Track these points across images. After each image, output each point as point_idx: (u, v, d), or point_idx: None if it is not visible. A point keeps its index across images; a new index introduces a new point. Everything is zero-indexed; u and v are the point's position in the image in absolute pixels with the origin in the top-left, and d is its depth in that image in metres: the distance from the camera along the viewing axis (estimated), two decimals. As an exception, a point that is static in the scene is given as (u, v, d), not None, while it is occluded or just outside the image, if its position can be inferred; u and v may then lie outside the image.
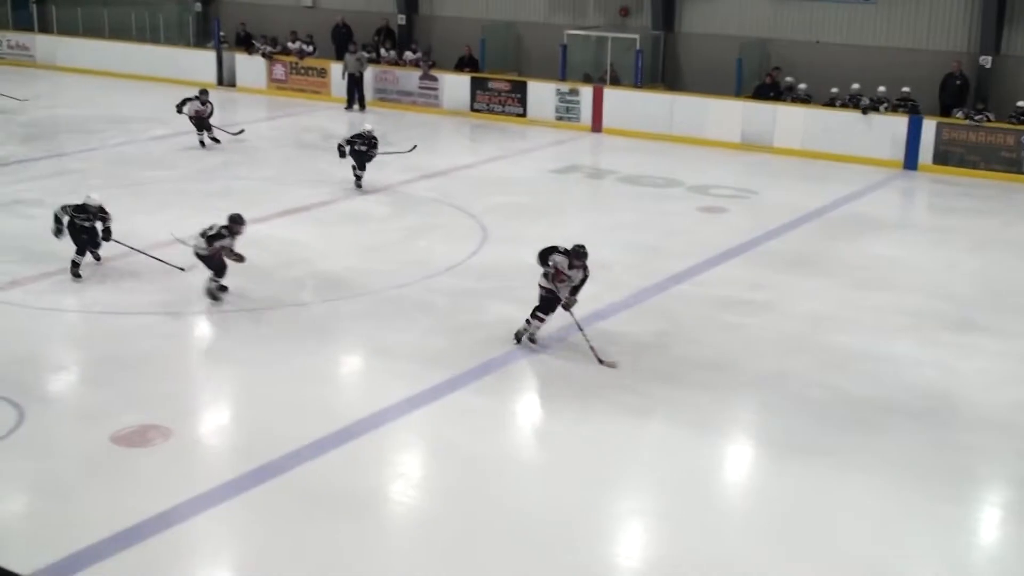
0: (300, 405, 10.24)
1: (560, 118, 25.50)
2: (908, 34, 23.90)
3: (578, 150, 23.27)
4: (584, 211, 18.32)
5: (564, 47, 26.38)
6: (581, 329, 11.40)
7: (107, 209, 13.59)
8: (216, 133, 21.82)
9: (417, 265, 14.35)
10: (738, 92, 24.52)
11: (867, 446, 9.72)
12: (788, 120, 23.15)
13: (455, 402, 10.44)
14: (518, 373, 11.24)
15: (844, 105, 22.82)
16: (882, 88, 22.61)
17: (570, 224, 16.85)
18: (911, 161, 22.00)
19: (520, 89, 26.11)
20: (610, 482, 9.06)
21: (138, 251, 13.80)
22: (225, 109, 27.58)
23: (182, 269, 13.40)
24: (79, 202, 13.50)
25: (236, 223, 12.71)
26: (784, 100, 23.59)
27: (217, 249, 12.52)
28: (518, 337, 11.65)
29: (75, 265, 13.50)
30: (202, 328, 12.55)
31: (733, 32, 25.47)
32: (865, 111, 22.35)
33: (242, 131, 22.36)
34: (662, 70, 26.69)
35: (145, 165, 20.18)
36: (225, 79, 29.94)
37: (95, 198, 13.54)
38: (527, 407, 10.85)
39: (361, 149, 18.21)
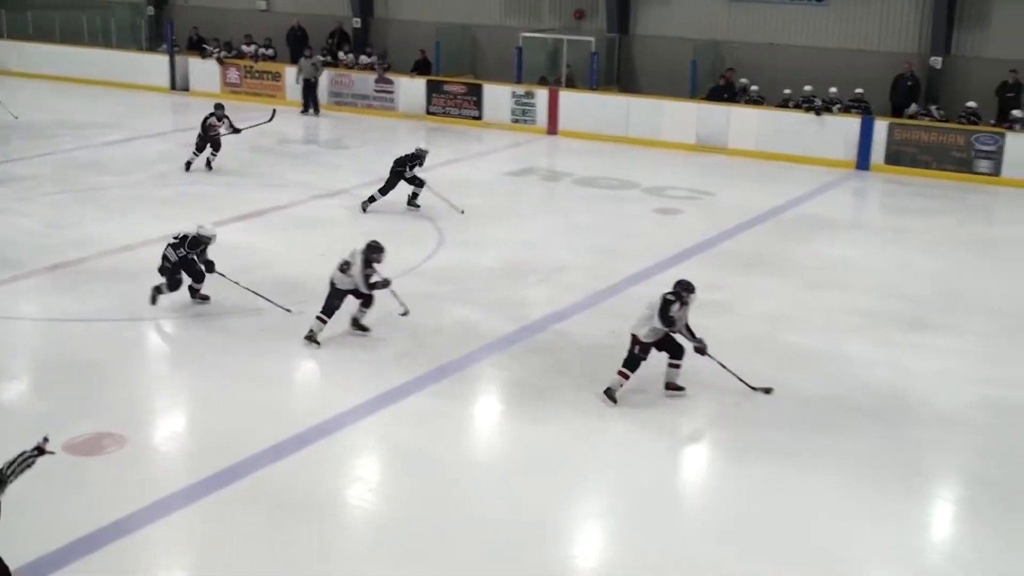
0: (257, 410, 10.18)
1: (516, 121, 25.52)
2: (860, 36, 24.15)
3: (534, 152, 23.30)
4: (540, 213, 18.35)
5: (519, 50, 26.42)
6: (724, 365, 10.71)
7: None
8: (247, 126, 20.49)
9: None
10: (692, 94, 24.66)
11: (825, 445, 9.80)
12: (742, 121, 23.31)
13: (413, 405, 10.42)
14: (476, 376, 11.23)
15: (797, 106, 23.01)
16: (834, 89, 22.82)
17: (527, 227, 16.88)
18: (863, 161, 22.21)
19: (476, 92, 26.11)
20: (571, 484, 9.07)
21: (247, 288, 12.74)
22: (178, 113, 27.46)
23: (289, 311, 12.52)
24: (188, 234, 12.42)
25: (376, 251, 11.77)
26: (738, 102, 23.74)
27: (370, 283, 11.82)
28: (611, 395, 10.57)
29: (159, 292, 12.60)
30: (158, 334, 12.44)
31: (687, 34, 25.61)
32: (818, 112, 22.54)
33: (273, 112, 21.39)
34: (617, 72, 26.81)
35: (99, 171, 19.97)
36: (178, 83, 29.73)
37: (209, 227, 12.57)
38: (486, 410, 10.84)
39: (413, 168, 17.51)
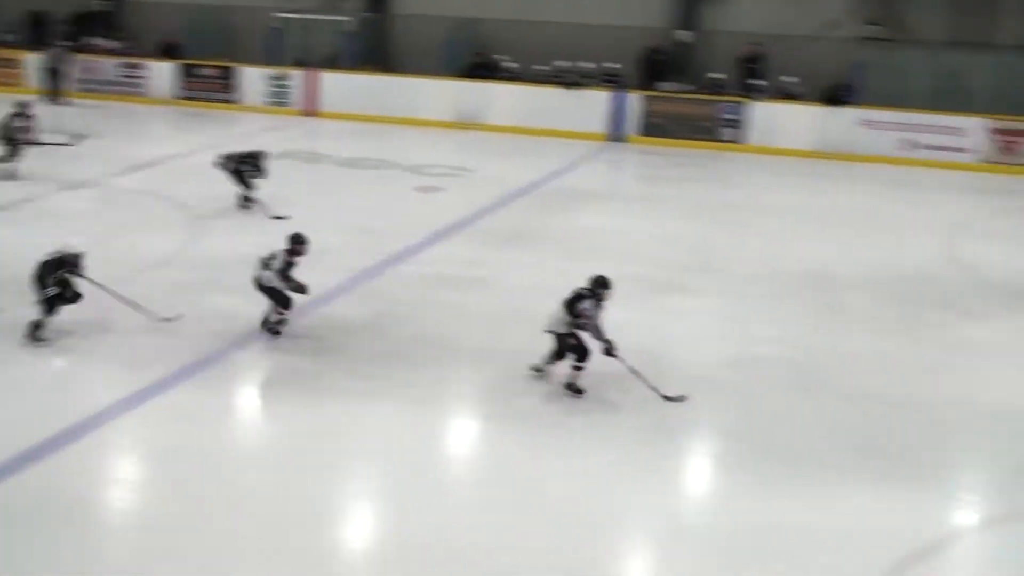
0: (5, 416, 9.64)
1: (273, 103, 25.07)
2: (613, 11, 24.75)
3: (293, 135, 22.93)
4: (301, 196, 18.01)
5: (275, 31, 25.93)
6: (634, 371, 10.12)
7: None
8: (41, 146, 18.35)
9: (126, 261, 13.77)
10: (451, 72, 24.76)
11: (584, 410, 10.00)
12: (500, 98, 23.62)
13: (174, 399, 10.06)
14: (240, 366, 10.97)
15: (553, 82, 23.42)
16: (588, 64, 23.36)
17: (287, 211, 16.58)
18: (618, 134, 22.85)
19: (230, 75, 25.50)
20: (339, 468, 8.96)
21: (120, 298, 11.57)
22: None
23: (169, 319, 11.57)
24: (55, 255, 11.07)
25: (300, 243, 11.32)
26: (495, 78, 23.99)
27: (288, 280, 11.25)
28: (573, 388, 10.18)
29: (39, 327, 11.09)
30: None
31: (445, 12, 25.68)
32: (574, 87, 23.01)
33: (71, 139, 19.47)
34: (375, 52, 26.65)
35: None
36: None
37: (74, 244, 11.32)
38: (249, 400, 10.61)
39: (247, 170, 16.25)
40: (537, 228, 15.96)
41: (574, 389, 10.19)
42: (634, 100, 22.96)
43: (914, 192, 19.88)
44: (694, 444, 9.80)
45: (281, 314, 11.42)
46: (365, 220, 16.14)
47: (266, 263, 11.30)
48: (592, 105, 22.98)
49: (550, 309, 12.30)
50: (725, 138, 22.42)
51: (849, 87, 22.58)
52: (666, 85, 23.38)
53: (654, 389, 10.19)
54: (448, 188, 18.37)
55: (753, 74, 23.01)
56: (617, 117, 22.93)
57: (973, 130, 21.76)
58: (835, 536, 8.01)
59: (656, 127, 22.81)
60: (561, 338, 10.21)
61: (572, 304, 10.04)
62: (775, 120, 22.39)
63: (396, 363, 10.87)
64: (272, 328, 11.47)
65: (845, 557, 7.73)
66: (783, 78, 22.88)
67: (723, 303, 13.07)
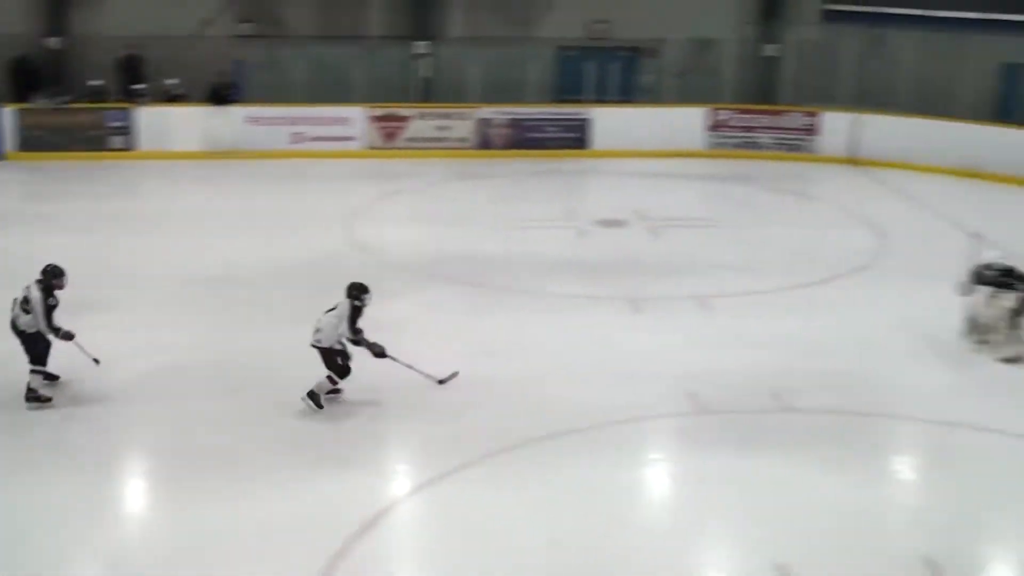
0: None
1: None
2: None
3: None
4: None
5: None
6: (411, 366, 10.38)
7: None
8: None
9: None
10: None
11: (29, 443, 9.47)
12: None
13: None
14: None
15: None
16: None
17: None
18: (-4, 151, 21.34)
19: None
20: None
21: None
22: None
23: None
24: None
25: (56, 276, 9.99)
26: None
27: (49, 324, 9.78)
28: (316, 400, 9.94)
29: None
30: None
31: None
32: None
33: None
34: None
35: None
36: None
37: None
38: None
39: None
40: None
41: (317, 397, 10.11)
42: (8, 114, 21.46)
43: (311, 184, 20.39)
44: (123, 463, 9.42)
45: (38, 371, 9.90)
46: None
47: (24, 306, 9.83)
48: (-40, 124, 21.20)
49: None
50: (116, 146, 21.63)
51: (234, 86, 22.66)
52: (40, 96, 22.09)
53: (429, 376, 10.52)
54: None
55: (134, 78, 22.39)
56: (-7, 133, 21.33)
57: (356, 119, 22.70)
58: (276, 533, 8.10)
59: (37, 141, 21.48)
60: (333, 354, 9.99)
61: (354, 320, 9.98)
62: (163, 124, 21.94)
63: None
64: (34, 396, 9.92)
65: (290, 552, 7.82)
66: (166, 81, 22.48)
67: (133, 316, 12.68)
